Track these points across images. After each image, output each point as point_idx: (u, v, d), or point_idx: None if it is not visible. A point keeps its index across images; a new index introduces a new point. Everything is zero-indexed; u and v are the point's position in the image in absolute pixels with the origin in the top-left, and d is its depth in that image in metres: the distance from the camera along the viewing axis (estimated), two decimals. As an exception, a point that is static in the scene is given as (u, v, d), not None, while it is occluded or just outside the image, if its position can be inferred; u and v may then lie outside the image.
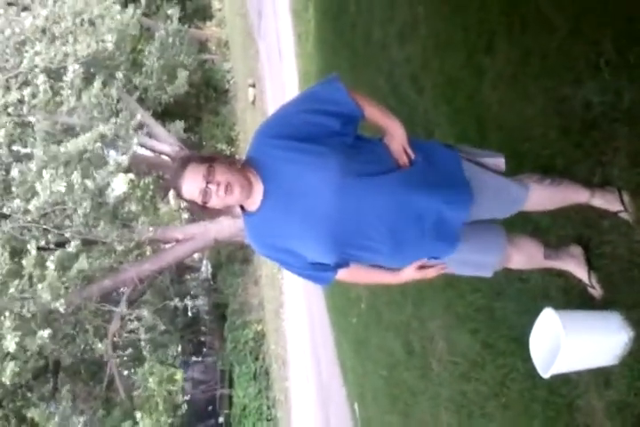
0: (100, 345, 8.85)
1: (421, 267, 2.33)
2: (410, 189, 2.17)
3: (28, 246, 7.51)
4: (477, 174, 2.31)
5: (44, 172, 7.48)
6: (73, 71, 8.75)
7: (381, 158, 2.21)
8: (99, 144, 8.55)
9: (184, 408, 10.42)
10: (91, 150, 8.37)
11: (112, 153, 9.53)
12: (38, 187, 7.39)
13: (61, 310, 7.67)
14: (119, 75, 10.31)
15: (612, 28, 2.64)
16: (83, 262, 8.11)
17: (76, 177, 7.73)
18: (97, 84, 9.10)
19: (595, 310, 2.60)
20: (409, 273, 2.34)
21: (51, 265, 7.44)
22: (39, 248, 7.96)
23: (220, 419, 17.35)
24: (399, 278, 2.38)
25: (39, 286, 7.39)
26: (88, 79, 9.24)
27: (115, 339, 9.64)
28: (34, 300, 7.51)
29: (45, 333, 7.59)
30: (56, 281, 7.49)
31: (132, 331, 9.74)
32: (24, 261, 7.49)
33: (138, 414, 9.27)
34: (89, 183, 7.88)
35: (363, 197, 2.12)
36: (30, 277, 7.52)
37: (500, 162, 2.45)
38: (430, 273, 2.35)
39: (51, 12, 9.72)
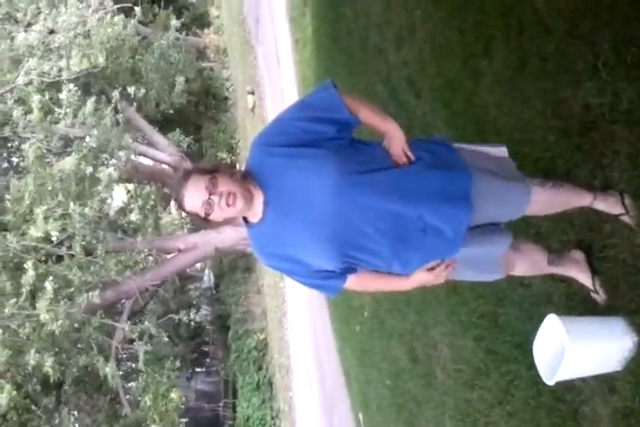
0: (106, 369, 8.68)
1: (431, 269, 2.25)
2: (412, 189, 2.14)
3: (26, 266, 7.34)
4: (480, 179, 2.24)
5: (37, 210, 7.22)
6: (68, 84, 8.66)
7: (379, 160, 2.19)
8: (90, 167, 8.36)
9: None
10: (85, 172, 8.19)
11: (110, 163, 9.41)
12: (32, 229, 7.19)
13: (57, 332, 7.55)
14: (117, 86, 10.26)
15: (608, 29, 2.63)
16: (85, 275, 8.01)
17: (73, 208, 7.53)
18: (92, 97, 9.00)
19: (598, 316, 2.58)
20: (421, 276, 2.26)
21: (49, 285, 7.26)
22: (39, 261, 7.86)
23: (224, 430, 17.25)
24: (411, 282, 2.29)
25: (37, 305, 7.24)
26: (85, 92, 9.15)
27: (118, 352, 9.53)
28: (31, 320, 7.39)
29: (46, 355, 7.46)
30: (56, 302, 7.31)
31: (133, 341, 9.61)
32: (22, 280, 7.34)
33: None
34: (87, 211, 7.70)
35: (361, 196, 2.10)
36: (30, 296, 7.34)
37: (502, 151, 2.43)
38: (441, 273, 2.26)
39: (45, 26, 9.64)
